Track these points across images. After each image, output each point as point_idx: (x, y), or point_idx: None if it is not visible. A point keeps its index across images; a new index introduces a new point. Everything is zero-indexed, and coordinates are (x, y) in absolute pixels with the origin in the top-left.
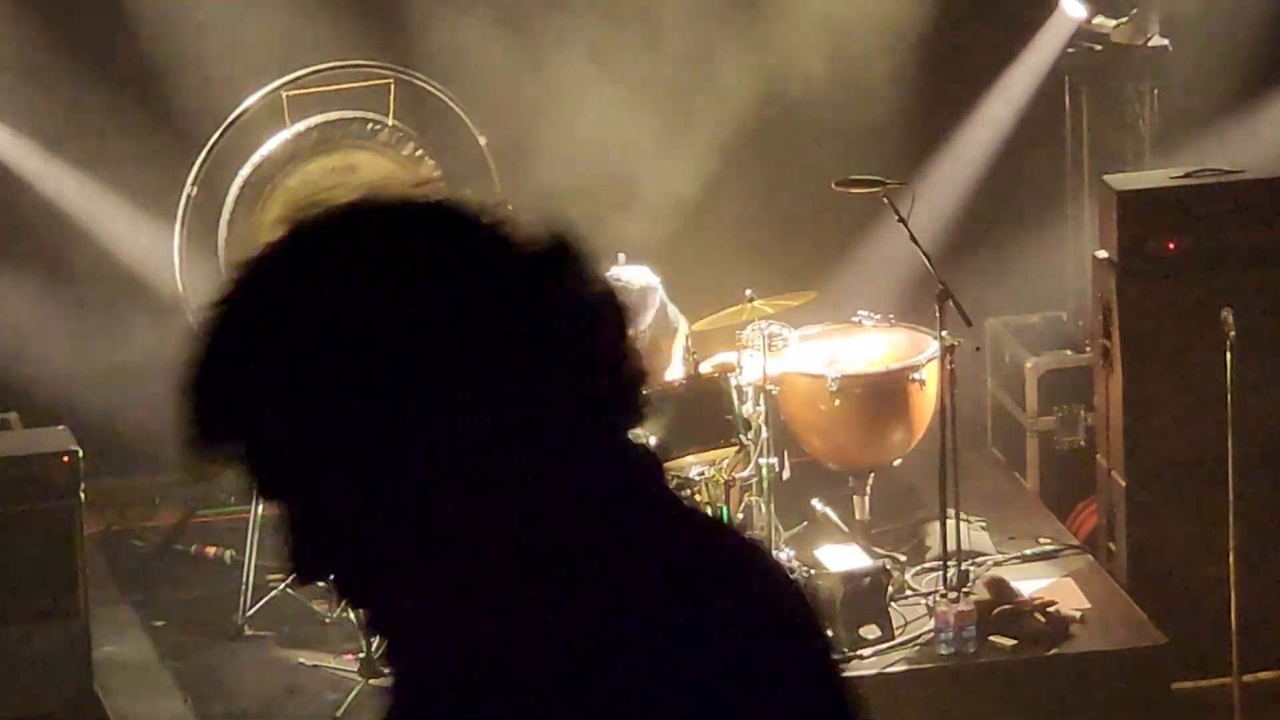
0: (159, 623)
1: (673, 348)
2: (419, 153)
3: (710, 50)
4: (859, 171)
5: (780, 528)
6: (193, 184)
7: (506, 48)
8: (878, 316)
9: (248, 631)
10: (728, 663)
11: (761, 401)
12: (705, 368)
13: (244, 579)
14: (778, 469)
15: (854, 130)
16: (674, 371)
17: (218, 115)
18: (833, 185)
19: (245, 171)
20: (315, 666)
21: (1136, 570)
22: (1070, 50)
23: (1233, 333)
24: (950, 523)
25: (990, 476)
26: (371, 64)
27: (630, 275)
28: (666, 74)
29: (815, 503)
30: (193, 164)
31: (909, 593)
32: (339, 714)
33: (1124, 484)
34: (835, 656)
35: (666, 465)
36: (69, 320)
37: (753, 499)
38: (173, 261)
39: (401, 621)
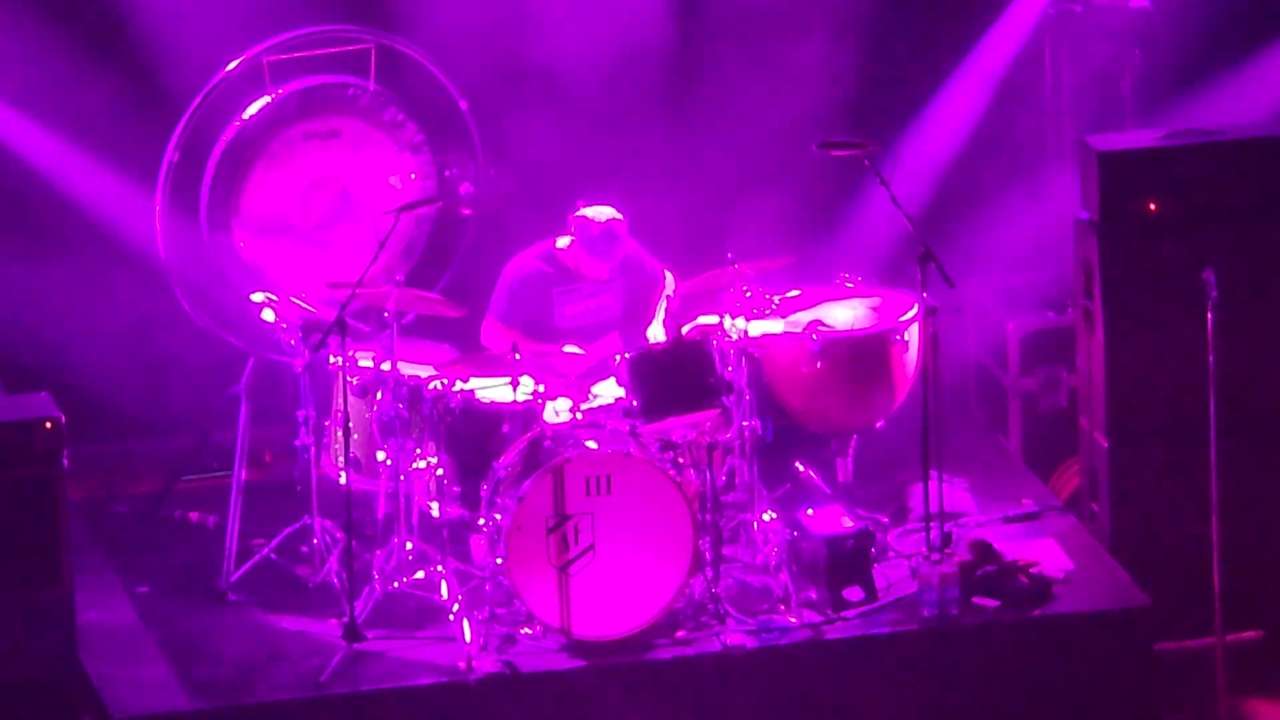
0: (142, 589)
1: (657, 305)
2: (401, 117)
3: (694, 15)
4: (841, 133)
5: (763, 490)
6: (174, 150)
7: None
8: (860, 279)
9: (231, 597)
10: None
11: (744, 364)
12: (687, 330)
13: (227, 545)
14: (760, 431)
15: (835, 94)
16: (654, 330)
17: (198, 81)
18: (814, 148)
19: (227, 137)
20: (299, 632)
21: (1119, 531)
22: (1051, 12)
23: (1214, 293)
24: (933, 484)
25: (972, 438)
26: (353, 29)
27: (594, 212)
28: (649, 39)
29: (798, 465)
30: (174, 130)
31: (892, 554)
32: (322, 679)
33: (1106, 445)
34: None
35: (650, 428)
36: (51, 286)
37: (735, 461)
38: (154, 226)
39: None
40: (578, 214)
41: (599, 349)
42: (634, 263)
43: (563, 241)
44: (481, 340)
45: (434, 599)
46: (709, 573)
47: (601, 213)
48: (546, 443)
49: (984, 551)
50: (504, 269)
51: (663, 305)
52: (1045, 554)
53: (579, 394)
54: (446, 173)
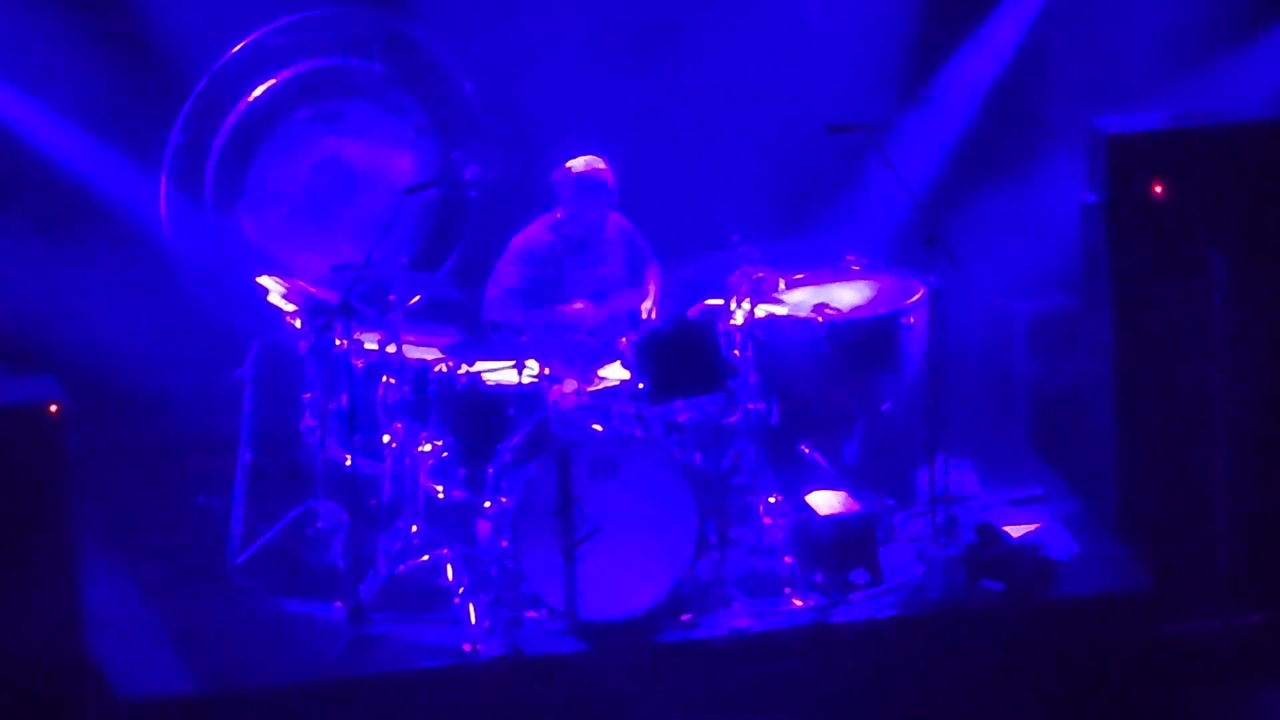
0: (148, 571)
1: (647, 282)
2: (406, 99)
3: None
4: (847, 116)
5: (769, 472)
6: (180, 132)
7: None
8: (866, 261)
9: (236, 580)
10: None
11: (750, 346)
12: (693, 312)
13: (233, 527)
14: (766, 414)
15: (842, 74)
16: (647, 308)
17: (204, 63)
18: (825, 129)
19: (233, 119)
20: (304, 615)
21: (1126, 514)
22: None
23: (1220, 277)
24: (939, 467)
25: (979, 421)
26: (359, 11)
27: (574, 161)
28: (656, 18)
29: (804, 447)
30: (179, 111)
31: (898, 537)
32: (328, 662)
33: (1113, 428)
34: None
35: (656, 410)
36: (56, 269)
37: (742, 444)
38: (159, 208)
39: None
40: (564, 166)
41: (608, 307)
42: (633, 240)
43: (560, 212)
44: (485, 314)
45: (439, 582)
46: (714, 555)
47: (579, 160)
48: (552, 425)
49: (990, 534)
50: (510, 242)
51: (652, 290)
52: (1051, 537)
53: (585, 376)
54: (452, 155)
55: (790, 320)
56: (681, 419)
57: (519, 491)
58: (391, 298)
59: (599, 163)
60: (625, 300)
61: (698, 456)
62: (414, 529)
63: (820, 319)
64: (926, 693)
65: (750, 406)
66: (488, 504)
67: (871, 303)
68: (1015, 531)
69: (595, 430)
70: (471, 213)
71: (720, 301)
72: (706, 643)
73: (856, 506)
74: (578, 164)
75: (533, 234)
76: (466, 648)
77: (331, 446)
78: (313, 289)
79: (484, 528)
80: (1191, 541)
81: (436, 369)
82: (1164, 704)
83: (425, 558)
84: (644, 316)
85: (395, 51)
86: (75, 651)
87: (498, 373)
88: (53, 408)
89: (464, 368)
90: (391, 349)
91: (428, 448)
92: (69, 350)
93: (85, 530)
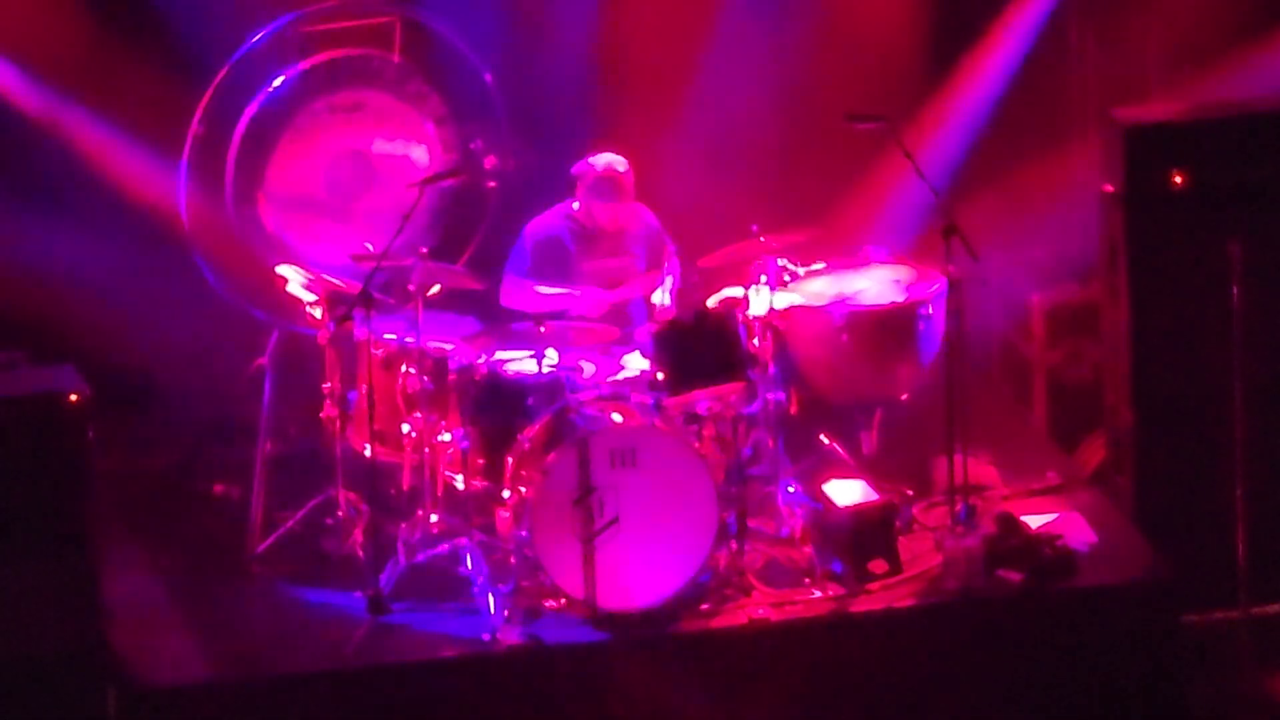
0: (167, 561)
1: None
2: (425, 89)
3: None
4: (866, 106)
5: (788, 462)
6: (199, 123)
7: None
8: (884, 252)
9: (256, 569)
10: None
11: (769, 337)
12: (712, 303)
13: (252, 517)
14: (785, 404)
15: (861, 65)
16: (658, 298)
17: (224, 54)
18: (844, 119)
19: (252, 110)
20: (323, 604)
21: (1144, 504)
22: None
23: (1239, 266)
24: (957, 457)
25: (997, 411)
26: (377, 1)
27: (595, 159)
28: (673, 10)
29: (823, 437)
30: (199, 101)
31: (917, 527)
32: (347, 651)
33: (1131, 418)
34: None
35: (675, 401)
36: (75, 259)
37: (760, 434)
38: (179, 198)
39: None
40: (584, 162)
41: (621, 292)
42: (655, 230)
43: (577, 204)
44: (501, 300)
45: (459, 571)
46: (733, 545)
47: (602, 158)
48: (571, 415)
49: (1008, 524)
50: (523, 229)
51: (668, 282)
52: (1070, 527)
53: (604, 361)
54: (471, 145)
55: (809, 310)
56: (701, 409)
57: (538, 481)
58: (411, 288)
59: (620, 163)
60: (638, 285)
61: (716, 446)
62: (433, 518)
63: (839, 309)
64: (945, 682)
65: (769, 396)
66: (507, 493)
67: (890, 293)
68: (1034, 521)
69: (614, 420)
70: (491, 203)
71: (739, 291)
72: (725, 632)
73: (875, 496)
74: (599, 162)
75: (546, 221)
76: (485, 637)
77: (351, 436)
78: (332, 279)
79: (503, 517)
80: (1210, 531)
81: (456, 359)
82: (1182, 694)
83: (444, 547)
84: (659, 304)
85: (414, 42)
86: (95, 640)
87: (517, 362)
88: (73, 397)
89: (483, 357)
90: (411, 339)
91: (447, 437)
92: (89, 340)
93: (105, 519)
